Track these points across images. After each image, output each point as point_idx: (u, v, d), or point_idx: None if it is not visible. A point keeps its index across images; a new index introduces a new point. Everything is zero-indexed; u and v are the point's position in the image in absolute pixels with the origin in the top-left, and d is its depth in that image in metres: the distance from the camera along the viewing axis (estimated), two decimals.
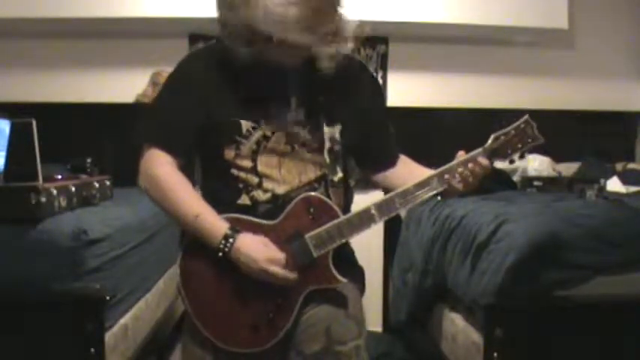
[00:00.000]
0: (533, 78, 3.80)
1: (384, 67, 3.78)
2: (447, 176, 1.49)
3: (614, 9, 3.88)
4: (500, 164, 3.33)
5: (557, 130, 3.50)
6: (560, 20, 3.51)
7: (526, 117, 1.51)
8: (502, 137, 1.50)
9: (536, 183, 3.20)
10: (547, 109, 3.58)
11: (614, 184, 2.96)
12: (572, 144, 3.62)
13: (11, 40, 3.59)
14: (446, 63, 3.79)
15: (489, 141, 1.51)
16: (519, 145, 1.50)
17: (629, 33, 3.89)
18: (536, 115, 1.53)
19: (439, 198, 1.53)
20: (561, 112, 3.74)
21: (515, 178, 3.32)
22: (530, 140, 1.50)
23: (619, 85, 3.88)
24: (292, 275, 1.47)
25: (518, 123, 1.51)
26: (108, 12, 3.32)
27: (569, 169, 3.45)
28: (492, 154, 1.50)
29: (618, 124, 3.84)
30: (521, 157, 1.51)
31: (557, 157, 3.51)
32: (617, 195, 2.75)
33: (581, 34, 3.80)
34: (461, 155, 1.51)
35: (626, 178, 3.03)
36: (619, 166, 3.39)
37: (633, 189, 2.88)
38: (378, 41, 3.76)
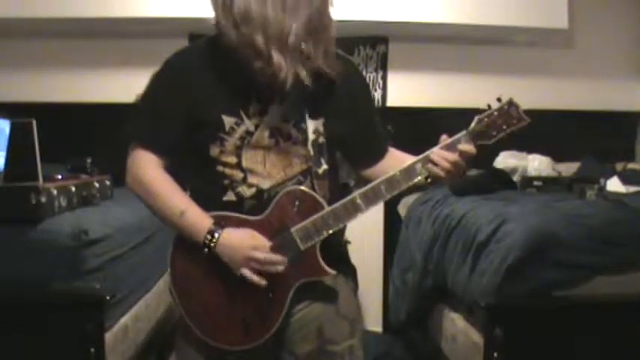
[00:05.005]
0: (533, 78, 3.80)
1: (384, 67, 3.78)
2: (432, 159, 1.48)
3: (614, 9, 3.88)
4: (500, 164, 3.37)
5: (557, 130, 3.54)
6: (560, 20, 3.52)
7: (510, 98, 1.51)
8: (485, 119, 1.49)
9: (536, 183, 3.20)
10: (547, 109, 3.58)
11: (614, 184, 2.96)
12: (572, 144, 3.62)
13: (11, 40, 3.60)
14: (446, 63, 3.79)
15: (473, 123, 1.50)
16: (504, 127, 1.49)
17: (629, 33, 3.89)
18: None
19: (428, 180, 1.51)
20: (561, 112, 3.74)
21: (515, 178, 3.32)
22: (515, 121, 1.49)
23: (619, 85, 3.89)
24: (278, 257, 1.46)
25: (501, 104, 1.50)
26: (108, 12, 3.32)
27: (569, 169, 3.46)
28: (476, 137, 1.49)
29: (618, 124, 3.84)
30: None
31: (557, 157, 3.51)
32: (617, 195, 2.75)
33: (581, 34, 3.80)
34: (444, 139, 1.51)
35: (626, 178, 3.03)
36: (619, 166, 3.39)
37: (633, 189, 2.87)
38: (378, 41, 3.77)
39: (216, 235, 1.46)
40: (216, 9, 1.46)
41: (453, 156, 1.47)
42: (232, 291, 1.51)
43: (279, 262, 1.47)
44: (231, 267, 1.48)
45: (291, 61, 1.41)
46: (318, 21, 1.43)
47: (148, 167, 1.53)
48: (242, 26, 1.40)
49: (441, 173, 1.48)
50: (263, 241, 1.48)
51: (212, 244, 1.47)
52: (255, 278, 1.46)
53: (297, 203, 1.49)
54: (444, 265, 2.55)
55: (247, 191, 1.52)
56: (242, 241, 1.47)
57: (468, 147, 1.48)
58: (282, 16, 1.39)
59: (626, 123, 3.88)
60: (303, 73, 1.44)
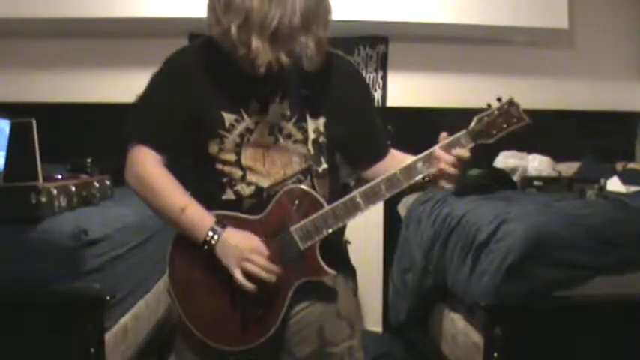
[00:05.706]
0: (533, 78, 3.79)
1: (384, 67, 3.78)
2: (432, 157, 1.47)
3: (614, 9, 3.88)
4: (500, 164, 3.37)
5: (557, 130, 3.55)
6: (560, 20, 3.52)
7: (510, 98, 1.50)
8: (485, 118, 1.49)
9: (536, 183, 3.20)
10: (547, 109, 3.58)
11: (614, 184, 2.96)
12: (572, 144, 3.62)
13: (11, 40, 3.60)
14: (446, 63, 3.79)
15: (473, 123, 1.49)
16: (504, 126, 1.49)
17: (629, 33, 3.89)
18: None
19: (426, 179, 1.50)
20: (561, 112, 3.74)
21: (515, 178, 3.32)
22: (515, 121, 1.49)
23: (619, 85, 3.89)
24: (275, 267, 1.46)
25: (501, 104, 1.49)
26: (108, 12, 3.32)
27: (569, 169, 3.46)
28: (476, 136, 1.49)
29: (618, 124, 3.84)
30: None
31: (557, 157, 3.51)
32: (617, 195, 2.75)
33: (581, 34, 3.80)
34: (444, 138, 1.50)
35: (626, 178, 3.03)
36: (619, 166, 3.39)
37: (633, 189, 2.88)
38: (378, 41, 3.77)
39: (217, 234, 1.46)
40: (207, 11, 1.46)
41: (452, 158, 1.47)
42: (231, 291, 1.50)
43: (274, 271, 1.47)
44: (228, 267, 1.48)
45: (271, 48, 1.38)
46: (312, 10, 1.40)
47: (148, 164, 1.52)
48: (222, 18, 1.39)
49: (444, 184, 1.49)
50: (261, 245, 1.47)
51: (213, 243, 1.46)
52: (247, 284, 1.45)
53: (296, 202, 1.49)
54: (444, 265, 2.55)
55: (246, 189, 1.51)
56: (241, 243, 1.46)
57: (463, 152, 1.47)
58: (267, 7, 1.36)
59: (626, 123, 3.88)
60: (285, 59, 1.40)
